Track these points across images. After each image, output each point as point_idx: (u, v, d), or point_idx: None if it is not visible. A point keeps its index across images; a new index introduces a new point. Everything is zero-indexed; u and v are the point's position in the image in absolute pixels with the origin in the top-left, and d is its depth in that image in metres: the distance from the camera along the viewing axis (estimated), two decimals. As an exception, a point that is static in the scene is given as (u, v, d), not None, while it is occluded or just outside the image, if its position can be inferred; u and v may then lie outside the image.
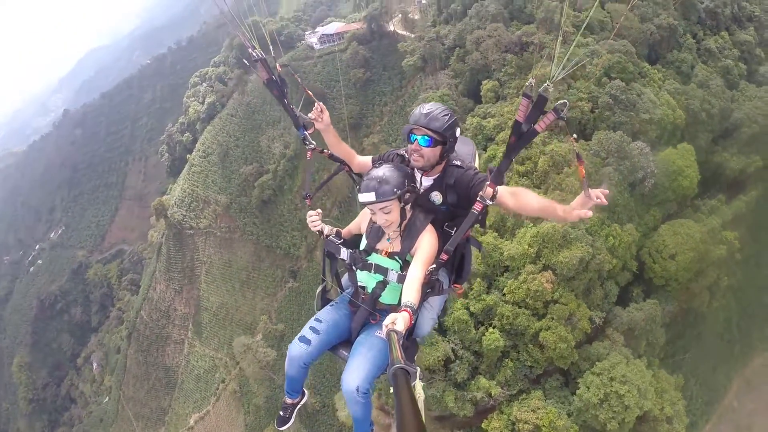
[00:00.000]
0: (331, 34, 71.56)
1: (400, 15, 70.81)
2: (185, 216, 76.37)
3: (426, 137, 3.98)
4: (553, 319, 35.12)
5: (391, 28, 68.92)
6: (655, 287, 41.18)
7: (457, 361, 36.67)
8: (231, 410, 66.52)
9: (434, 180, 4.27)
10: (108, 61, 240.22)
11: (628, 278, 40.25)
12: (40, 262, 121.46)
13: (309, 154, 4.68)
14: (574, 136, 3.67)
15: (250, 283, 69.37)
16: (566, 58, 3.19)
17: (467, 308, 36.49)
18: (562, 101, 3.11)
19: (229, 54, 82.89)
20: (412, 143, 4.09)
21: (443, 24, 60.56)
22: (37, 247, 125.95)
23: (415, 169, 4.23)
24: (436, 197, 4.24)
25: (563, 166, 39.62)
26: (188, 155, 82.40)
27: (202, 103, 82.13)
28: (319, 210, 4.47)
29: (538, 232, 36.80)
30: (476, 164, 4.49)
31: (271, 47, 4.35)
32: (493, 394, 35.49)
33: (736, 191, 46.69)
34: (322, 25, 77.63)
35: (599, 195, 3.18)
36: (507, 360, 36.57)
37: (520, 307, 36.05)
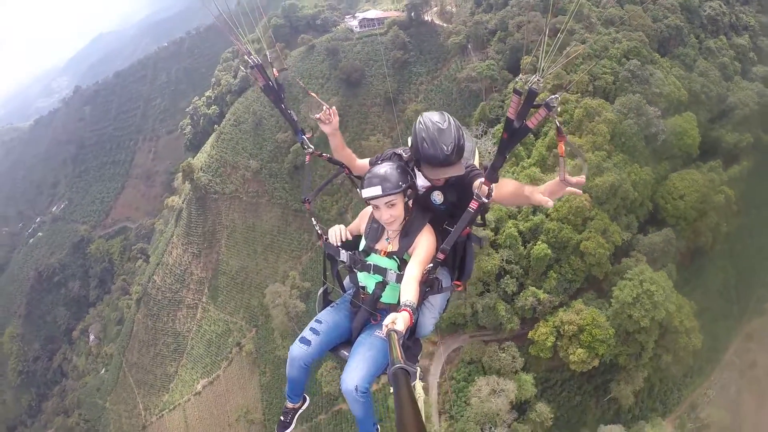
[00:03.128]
0: (372, 19, 78.88)
1: (437, 6, 78.11)
2: (211, 181, 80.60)
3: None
4: (591, 231, 42.97)
5: (428, 18, 76.14)
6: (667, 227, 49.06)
7: (507, 276, 43.37)
8: (244, 373, 68.56)
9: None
10: (116, 46, 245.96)
11: (645, 214, 48.81)
12: (40, 234, 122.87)
13: (308, 157, 4.77)
14: (559, 109, 3.50)
15: (274, 247, 72.97)
16: (553, 50, 3.10)
17: (516, 226, 43.04)
18: (553, 96, 3.07)
19: (265, 34, 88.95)
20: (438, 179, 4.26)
21: (483, 13, 68.23)
22: (38, 219, 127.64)
23: (415, 169, 4.35)
24: (437, 197, 4.37)
25: (595, 116, 48.64)
26: (215, 126, 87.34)
27: (235, 76, 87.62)
28: (348, 232, 4.58)
29: (576, 164, 43.48)
30: (476, 160, 4.59)
31: (268, 53, 4.52)
32: (541, 298, 42.24)
33: (731, 162, 54.96)
34: (362, 11, 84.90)
35: (577, 181, 3.18)
36: (551, 272, 43.82)
37: (563, 222, 43.65)
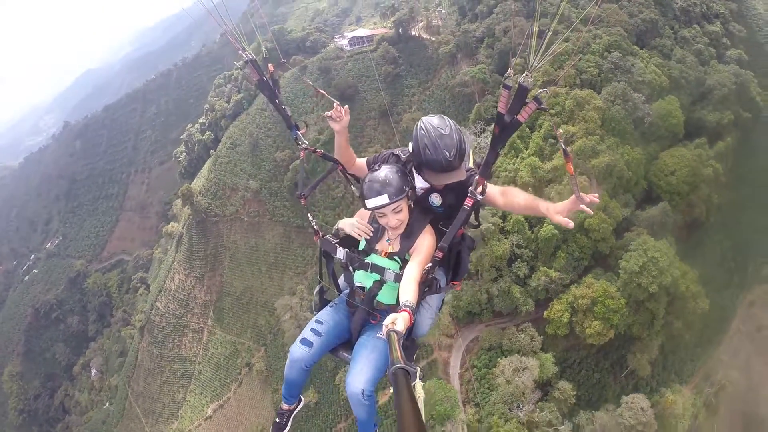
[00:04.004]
0: (361, 37, 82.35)
1: (423, 21, 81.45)
2: (210, 204, 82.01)
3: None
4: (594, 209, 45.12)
5: (416, 32, 79.38)
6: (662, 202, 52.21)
7: (518, 260, 45.99)
8: (255, 393, 68.59)
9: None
10: (102, 82, 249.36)
11: (641, 192, 52.39)
12: (35, 271, 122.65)
13: (302, 153, 4.77)
14: (560, 130, 3.59)
15: (278, 265, 74.10)
16: (542, 47, 3.17)
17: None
18: (542, 90, 3.19)
19: (258, 55, 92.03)
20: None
21: (469, 23, 71.87)
22: (33, 256, 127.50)
23: (413, 170, 4.39)
24: (435, 199, 4.43)
25: (584, 105, 52.87)
26: (211, 151, 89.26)
27: (228, 101, 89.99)
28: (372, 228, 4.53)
29: (572, 149, 47.57)
30: (470, 162, 4.56)
31: (263, 49, 4.56)
32: (552, 277, 44.66)
33: (716, 139, 58.68)
34: (349, 31, 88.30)
35: (590, 200, 3.33)
36: (559, 252, 46.57)
37: None
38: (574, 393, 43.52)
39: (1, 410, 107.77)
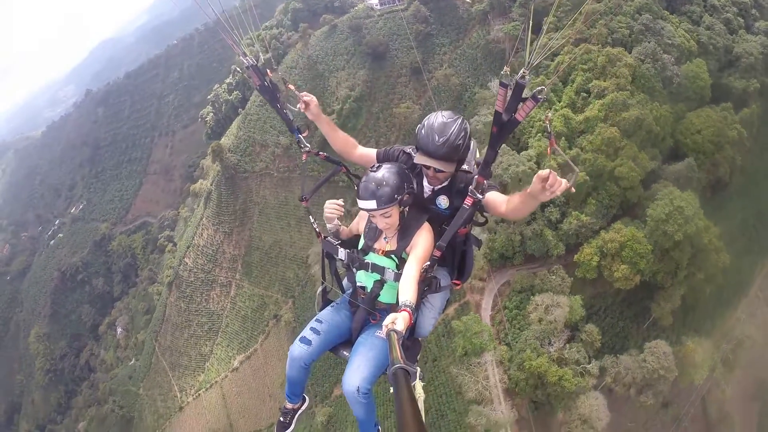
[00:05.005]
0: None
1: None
2: (240, 160, 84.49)
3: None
4: (623, 158, 48.34)
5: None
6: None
7: (551, 205, 48.43)
8: (282, 344, 70.77)
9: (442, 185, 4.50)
10: (118, 53, 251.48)
11: (667, 149, 54.39)
12: (60, 235, 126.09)
13: (304, 156, 4.92)
14: (549, 114, 3.77)
15: (308, 218, 76.48)
16: (537, 43, 3.16)
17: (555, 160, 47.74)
18: (539, 87, 3.17)
19: (284, 17, 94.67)
20: (428, 169, 4.31)
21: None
22: (57, 221, 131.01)
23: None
24: (443, 201, 4.48)
25: (616, 61, 55.15)
26: (239, 110, 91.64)
27: (257, 61, 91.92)
28: (342, 203, 4.83)
29: (604, 103, 51.25)
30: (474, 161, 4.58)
31: (261, 55, 4.68)
32: (584, 221, 47.14)
33: (741, 106, 59.45)
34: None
35: (561, 185, 3.30)
36: (590, 199, 48.88)
37: (597, 153, 49.04)
38: (600, 337, 45.75)
39: (27, 371, 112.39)
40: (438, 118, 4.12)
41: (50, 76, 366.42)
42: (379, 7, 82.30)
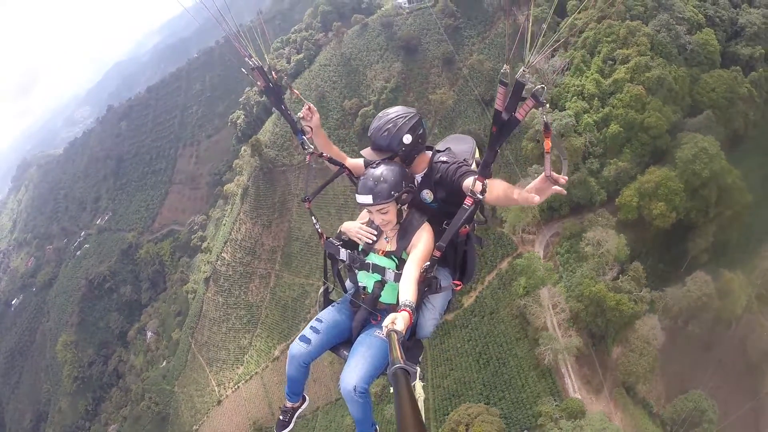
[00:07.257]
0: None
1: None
2: (277, 155, 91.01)
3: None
4: (650, 111, 56.35)
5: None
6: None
7: (591, 157, 55.54)
8: None
9: (422, 178, 4.63)
10: (132, 72, 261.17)
11: (687, 107, 61.13)
12: (87, 246, 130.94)
13: (308, 158, 4.96)
14: (547, 105, 3.37)
15: (348, 206, 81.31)
16: (539, 41, 3.19)
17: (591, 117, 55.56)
18: (539, 86, 3.18)
19: (313, 20, 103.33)
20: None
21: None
22: (83, 233, 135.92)
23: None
24: (427, 195, 4.58)
25: (636, 32, 62.90)
26: (273, 109, 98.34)
27: (289, 62, 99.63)
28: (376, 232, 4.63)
29: (628, 67, 59.63)
30: (473, 161, 4.78)
31: (267, 57, 4.69)
32: (621, 165, 54.86)
33: (749, 71, 65.87)
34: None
35: (560, 180, 3.47)
36: (624, 149, 56.82)
37: (627, 109, 56.96)
38: (645, 274, 51.38)
39: (54, 379, 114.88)
40: (388, 111, 4.48)
41: (66, 97, 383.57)
42: (407, 5, 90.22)
